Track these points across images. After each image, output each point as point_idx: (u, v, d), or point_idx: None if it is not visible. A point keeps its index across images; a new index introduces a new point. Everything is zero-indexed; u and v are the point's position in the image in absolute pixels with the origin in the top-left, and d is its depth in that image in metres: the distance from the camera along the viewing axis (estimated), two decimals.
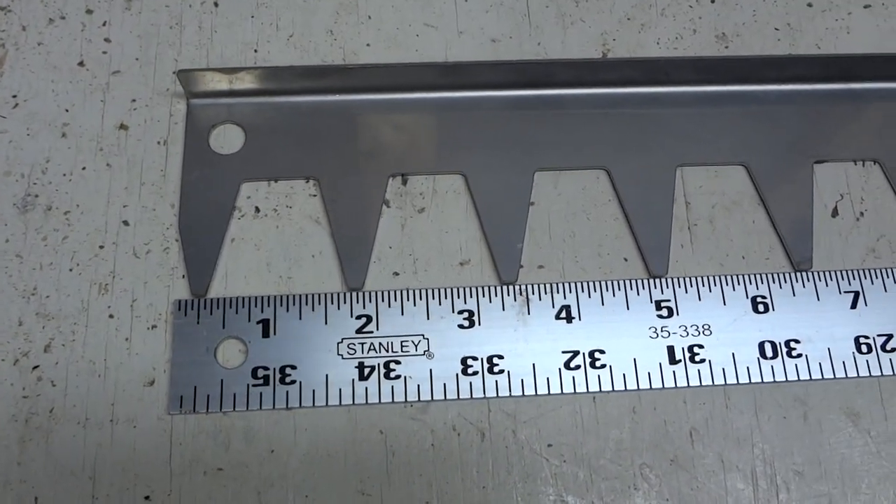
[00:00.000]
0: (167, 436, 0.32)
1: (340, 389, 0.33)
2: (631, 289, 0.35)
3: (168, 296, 0.34)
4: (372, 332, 0.34)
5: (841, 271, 0.36)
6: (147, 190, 0.36)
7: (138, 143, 0.37)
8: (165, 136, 0.37)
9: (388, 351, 0.34)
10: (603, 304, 0.35)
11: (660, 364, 0.34)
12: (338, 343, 0.34)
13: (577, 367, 0.34)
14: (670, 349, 0.34)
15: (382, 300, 0.34)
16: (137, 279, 0.35)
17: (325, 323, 0.34)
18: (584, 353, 0.34)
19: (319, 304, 0.34)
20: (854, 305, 0.36)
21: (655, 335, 0.35)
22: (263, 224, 0.36)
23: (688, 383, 0.34)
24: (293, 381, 0.33)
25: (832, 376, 0.34)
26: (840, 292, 0.36)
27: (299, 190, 0.37)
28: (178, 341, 0.33)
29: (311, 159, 0.37)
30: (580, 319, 0.35)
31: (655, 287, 0.35)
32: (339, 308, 0.34)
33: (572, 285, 0.35)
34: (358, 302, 0.34)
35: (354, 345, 0.34)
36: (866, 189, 0.38)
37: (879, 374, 0.35)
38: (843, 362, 0.35)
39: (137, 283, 0.35)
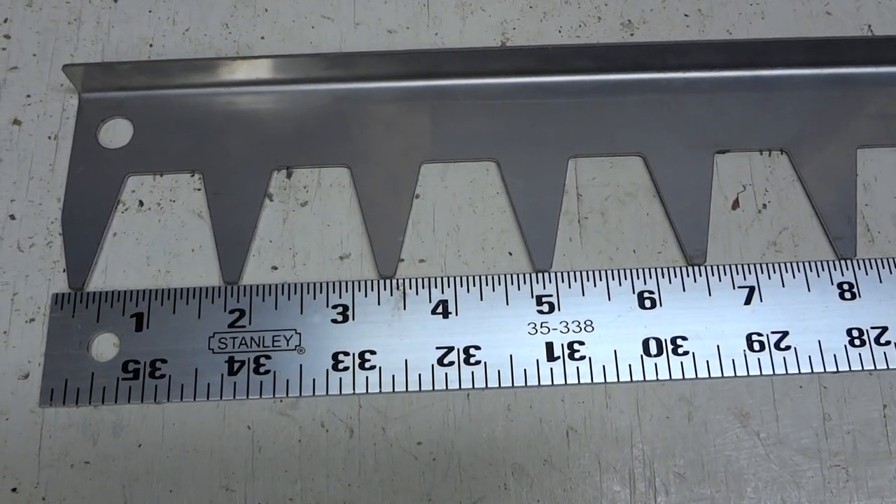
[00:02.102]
0: (38, 428, 0.32)
1: (209, 384, 0.33)
2: (511, 283, 0.34)
3: (48, 289, 0.34)
4: (244, 326, 0.34)
5: (736, 265, 0.35)
6: (35, 184, 0.36)
7: (30, 138, 0.37)
8: (57, 131, 0.37)
9: (259, 346, 0.33)
10: (482, 299, 0.34)
11: (537, 361, 0.33)
12: (209, 337, 0.33)
13: (451, 363, 0.33)
14: (549, 345, 0.33)
15: (257, 294, 0.34)
16: (20, 273, 0.35)
17: (199, 317, 0.34)
18: (458, 350, 0.33)
19: (194, 298, 0.34)
20: (748, 301, 0.34)
21: (534, 331, 0.33)
22: (146, 217, 0.36)
23: (566, 381, 0.33)
24: (163, 376, 0.33)
25: (720, 375, 0.33)
26: (734, 287, 0.34)
27: (184, 184, 0.36)
28: (52, 335, 0.33)
29: (197, 153, 0.36)
30: (457, 315, 0.34)
31: (537, 282, 0.34)
32: (213, 302, 0.34)
33: (451, 280, 0.34)
34: (232, 296, 0.34)
35: (226, 339, 0.33)
36: (771, 180, 0.37)
37: (772, 373, 0.33)
38: (734, 360, 0.33)
39: (19, 277, 0.35)
